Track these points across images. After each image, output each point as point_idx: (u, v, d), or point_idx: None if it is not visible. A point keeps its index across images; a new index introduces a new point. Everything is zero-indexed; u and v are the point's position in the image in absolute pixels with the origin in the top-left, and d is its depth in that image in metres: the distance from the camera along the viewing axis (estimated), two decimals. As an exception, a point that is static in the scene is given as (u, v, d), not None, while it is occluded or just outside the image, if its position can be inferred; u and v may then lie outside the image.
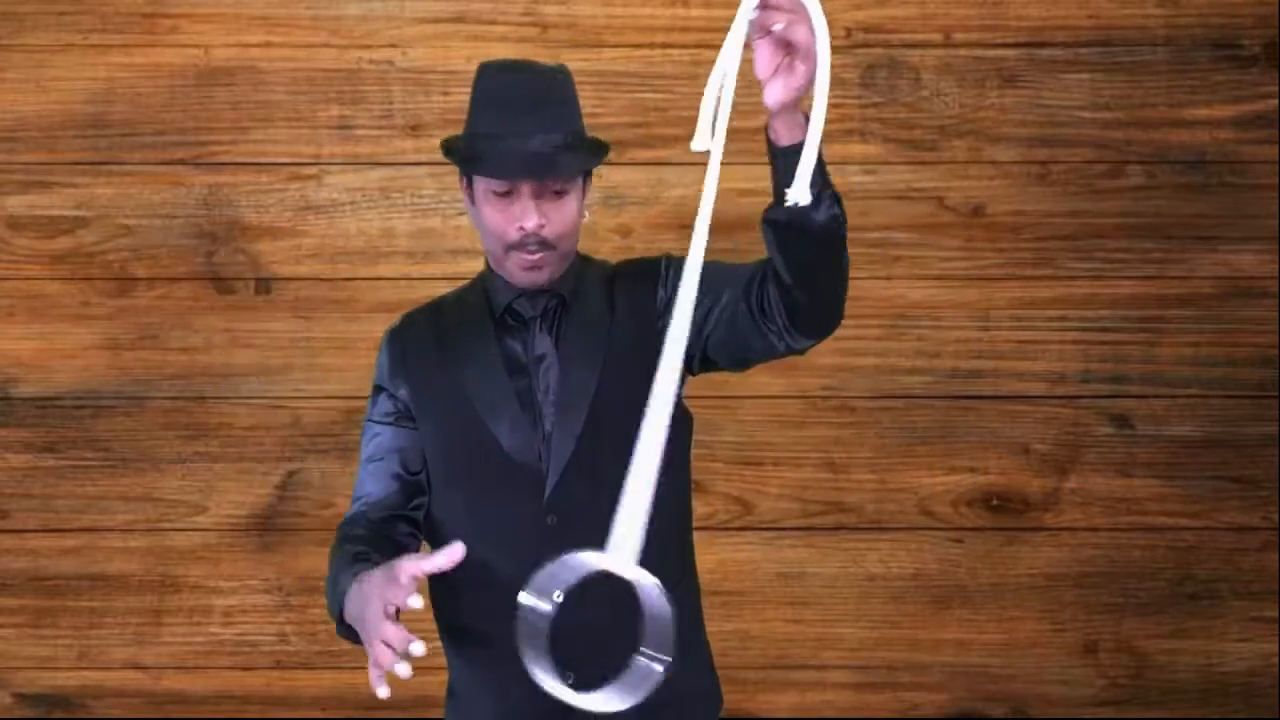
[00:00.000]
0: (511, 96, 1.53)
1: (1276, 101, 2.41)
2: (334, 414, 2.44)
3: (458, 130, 2.39)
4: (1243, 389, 2.46)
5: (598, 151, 1.57)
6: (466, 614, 1.59)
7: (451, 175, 2.41)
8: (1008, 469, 2.47)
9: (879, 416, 2.45)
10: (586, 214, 1.60)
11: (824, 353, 2.38)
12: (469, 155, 1.54)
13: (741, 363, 1.58)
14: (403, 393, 1.60)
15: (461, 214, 2.42)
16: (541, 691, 1.31)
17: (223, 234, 2.42)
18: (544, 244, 1.52)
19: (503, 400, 1.55)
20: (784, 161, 1.33)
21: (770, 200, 1.38)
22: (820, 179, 1.32)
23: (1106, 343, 2.45)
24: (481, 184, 1.54)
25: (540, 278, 1.55)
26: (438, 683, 2.47)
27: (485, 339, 1.58)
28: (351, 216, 2.43)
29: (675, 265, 1.59)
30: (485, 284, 1.62)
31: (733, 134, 2.36)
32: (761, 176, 2.39)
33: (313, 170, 2.42)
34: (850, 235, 2.41)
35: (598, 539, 1.26)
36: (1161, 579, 2.49)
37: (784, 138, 1.32)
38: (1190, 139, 2.43)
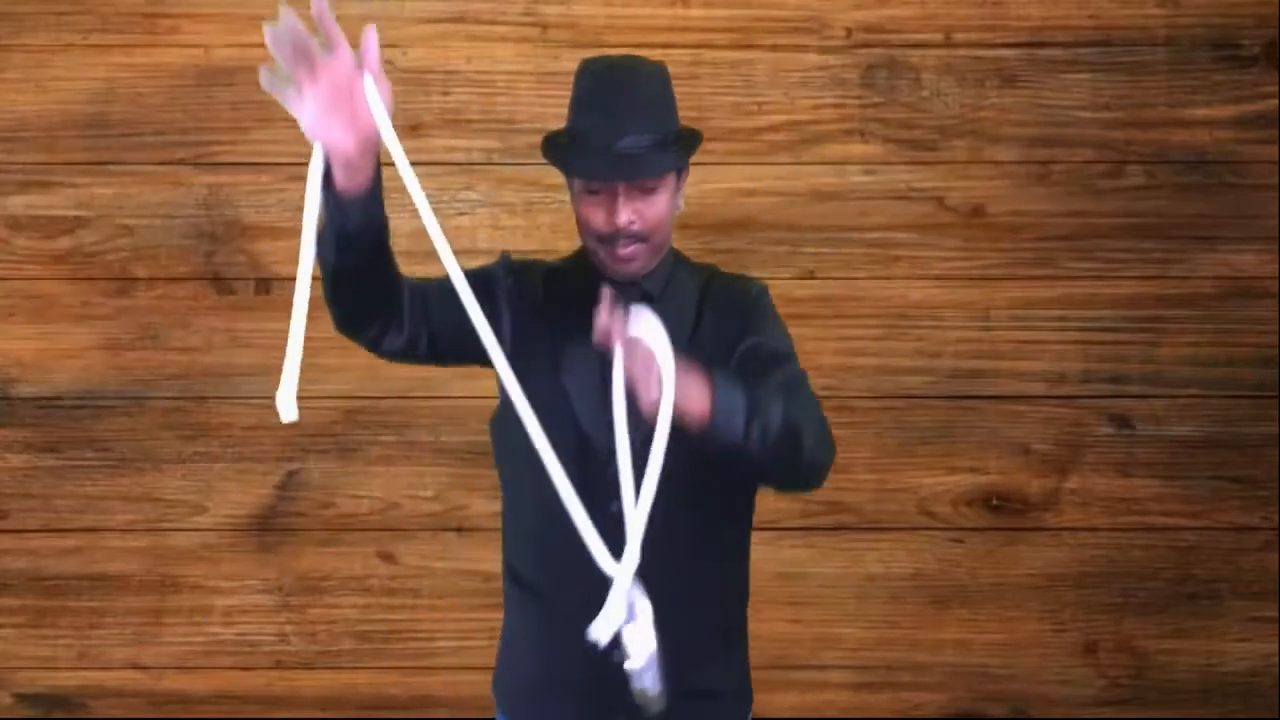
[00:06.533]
0: (605, 97, 1.54)
1: (1276, 101, 2.41)
2: (334, 414, 2.44)
3: (458, 130, 2.44)
4: (1243, 389, 2.46)
5: (689, 147, 1.58)
6: (526, 563, 1.64)
7: (450, 175, 2.43)
8: (1008, 469, 2.47)
9: (879, 416, 2.45)
10: (681, 203, 1.61)
11: (824, 353, 2.40)
12: (561, 154, 1.57)
13: None
14: (504, 306, 1.60)
15: (461, 214, 2.42)
16: (585, 648, 1.34)
17: (223, 234, 2.42)
18: (635, 237, 1.54)
19: (590, 380, 1.56)
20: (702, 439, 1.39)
21: None
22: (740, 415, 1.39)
23: (1106, 343, 2.45)
24: (576, 181, 1.56)
25: (633, 268, 1.57)
26: (438, 682, 2.49)
27: (586, 314, 1.50)
28: (351, 216, 2.42)
29: (760, 299, 1.65)
30: (589, 260, 1.63)
31: (732, 134, 2.38)
32: (761, 176, 2.40)
33: (313, 170, 2.42)
34: (850, 235, 2.44)
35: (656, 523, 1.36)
36: (1161, 579, 2.49)
37: (692, 420, 1.37)
38: (1190, 139, 2.42)
